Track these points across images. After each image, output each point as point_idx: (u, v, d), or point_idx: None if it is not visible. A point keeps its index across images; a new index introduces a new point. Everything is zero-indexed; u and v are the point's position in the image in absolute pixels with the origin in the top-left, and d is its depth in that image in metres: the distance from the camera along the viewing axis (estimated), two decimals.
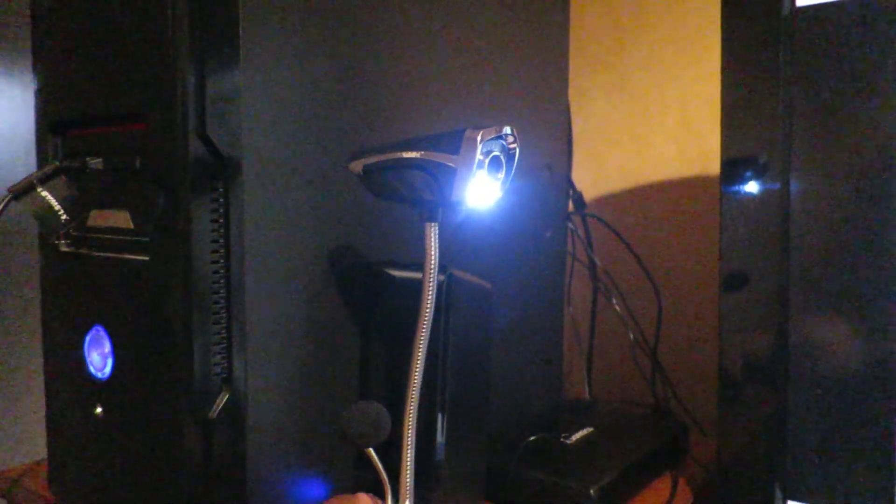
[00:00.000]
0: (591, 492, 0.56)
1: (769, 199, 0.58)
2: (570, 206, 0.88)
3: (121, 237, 0.50)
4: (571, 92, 0.86)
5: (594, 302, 0.88)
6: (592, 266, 0.88)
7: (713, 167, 0.59)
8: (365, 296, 0.54)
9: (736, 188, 0.59)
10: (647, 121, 0.96)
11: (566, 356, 0.86)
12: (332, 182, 0.52)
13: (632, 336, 0.83)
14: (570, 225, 0.86)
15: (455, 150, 0.40)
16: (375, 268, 0.55)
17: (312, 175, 0.51)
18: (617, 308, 0.85)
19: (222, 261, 0.47)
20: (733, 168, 0.59)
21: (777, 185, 0.57)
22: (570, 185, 0.87)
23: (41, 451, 0.59)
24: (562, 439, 0.65)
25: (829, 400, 0.55)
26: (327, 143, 0.52)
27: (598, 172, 0.99)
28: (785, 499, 0.57)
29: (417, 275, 0.49)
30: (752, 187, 0.59)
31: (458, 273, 0.52)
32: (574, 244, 0.89)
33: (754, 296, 0.58)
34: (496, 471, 0.60)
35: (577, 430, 0.67)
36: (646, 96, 0.95)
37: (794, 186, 0.56)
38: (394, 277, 0.54)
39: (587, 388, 0.87)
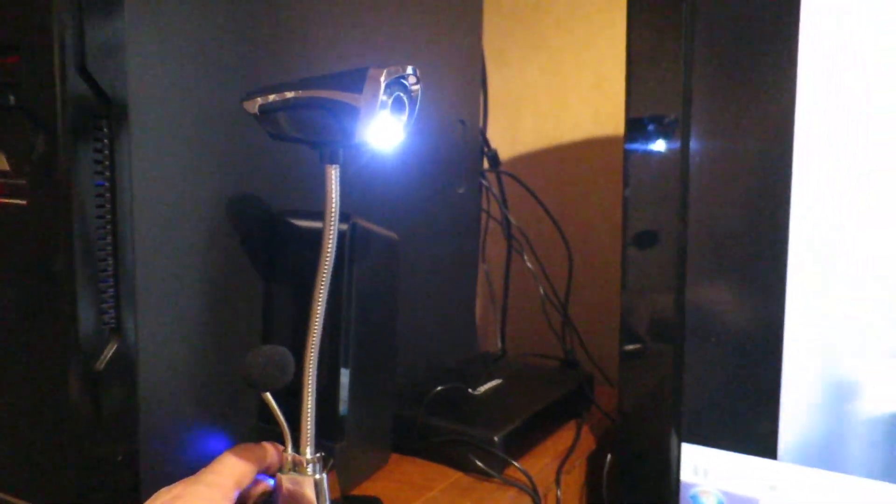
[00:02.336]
0: (496, 438, 0.56)
1: (670, 159, 0.59)
2: (486, 163, 0.88)
3: None
4: (488, 50, 0.85)
5: (508, 258, 0.89)
6: (507, 223, 0.88)
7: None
8: (265, 245, 0.53)
9: (638, 147, 0.60)
10: (562, 81, 0.96)
11: (480, 311, 0.86)
12: (228, 124, 0.50)
13: (543, 292, 0.85)
14: (484, 182, 0.86)
15: (358, 89, 0.39)
16: (275, 216, 0.53)
17: (206, 116, 0.49)
18: (529, 265, 0.86)
19: (108, 205, 0.44)
20: (636, 126, 0.60)
21: (677, 145, 0.59)
22: (485, 142, 0.87)
23: None
24: (470, 390, 0.66)
25: (722, 353, 0.57)
26: (222, 82, 0.50)
27: (513, 131, 0.99)
28: (680, 442, 0.59)
29: (318, 224, 0.48)
30: (654, 146, 0.60)
31: (361, 222, 0.51)
32: (489, 202, 0.89)
33: (654, 254, 0.60)
34: (404, 422, 0.60)
35: (485, 382, 0.68)
36: (562, 56, 0.96)
37: (694, 146, 0.58)
38: (295, 226, 0.52)
39: (500, 342, 0.88)
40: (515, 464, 0.56)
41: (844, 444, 0.53)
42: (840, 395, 0.53)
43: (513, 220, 0.88)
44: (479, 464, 0.56)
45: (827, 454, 0.54)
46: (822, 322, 0.53)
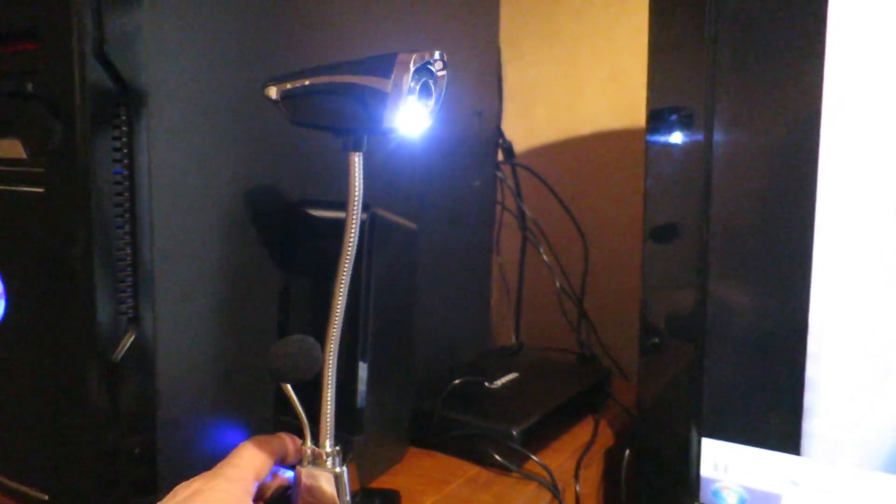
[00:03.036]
0: (514, 433, 0.56)
1: (693, 152, 0.58)
2: (500, 155, 0.87)
3: (12, 168, 0.46)
4: (503, 42, 0.84)
5: (523, 251, 0.88)
6: (521, 216, 0.87)
7: (642, 120, 0.59)
8: (283, 235, 0.52)
9: (660, 139, 0.59)
10: (578, 72, 0.95)
11: (495, 305, 0.86)
12: (246, 112, 0.49)
13: (559, 285, 0.84)
14: (499, 174, 0.86)
15: (386, 74, 0.38)
16: (295, 207, 0.52)
17: (225, 104, 0.48)
18: (545, 257, 0.85)
19: (126, 193, 0.44)
20: (658, 118, 0.59)
21: (700, 137, 0.58)
22: (501, 134, 0.86)
23: None
24: (487, 384, 0.65)
25: (743, 348, 0.56)
26: (240, 70, 0.49)
27: (528, 123, 0.98)
28: (700, 437, 0.59)
29: (338, 214, 0.47)
30: (676, 138, 0.59)
31: (381, 212, 0.51)
32: (504, 194, 0.88)
33: (676, 249, 0.59)
34: (421, 415, 0.59)
35: (502, 376, 0.67)
36: (577, 48, 0.95)
37: (718, 138, 0.57)
38: (313, 216, 0.52)
39: (515, 336, 0.87)
40: (535, 458, 0.56)
41: (870, 440, 0.52)
42: (867, 390, 0.52)
43: (528, 212, 0.87)
44: (498, 458, 0.55)
45: (851, 450, 0.53)
46: (848, 317, 0.52)
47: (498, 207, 0.87)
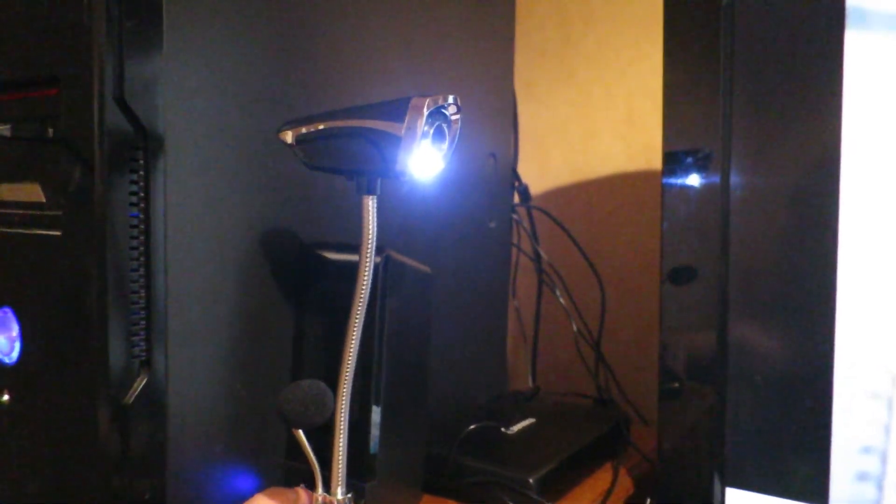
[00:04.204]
0: (531, 480, 0.54)
1: (709, 194, 0.57)
2: (516, 197, 0.87)
3: (31, 211, 0.46)
4: (518, 83, 0.85)
5: (539, 294, 0.87)
6: (537, 258, 0.87)
7: (658, 162, 0.59)
8: (297, 278, 0.52)
9: (676, 181, 0.59)
10: (593, 114, 0.96)
11: (511, 348, 0.85)
12: (261, 157, 0.50)
13: (576, 328, 0.83)
14: (514, 217, 0.85)
15: (399, 118, 0.39)
16: (308, 249, 0.52)
17: (240, 148, 0.49)
18: (561, 300, 0.84)
19: (142, 236, 0.44)
20: (674, 161, 0.59)
21: (717, 179, 0.57)
22: (516, 176, 0.86)
23: None
24: (503, 429, 0.64)
25: (766, 395, 0.55)
26: (256, 115, 0.50)
27: (543, 165, 0.98)
28: (724, 486, 0.57)
29: (351, 257, 0.47)
30: (692, 181, 0.58)
31: (395, 255, 0.51)
32: (519, 236, 0.88)
33: (694, 291, 0.58)
34: (436, 461, 0.58)
35: (519, 421, 0.66)
36: (592, 90, 0.95)
37: (735, 180, 0.56)
38: (327, 260, 0.52)
39: (531, 380, 0.86)
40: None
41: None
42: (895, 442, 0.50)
43: (544, 254, 0.86)
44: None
45: (880, 499, 0.51)
46: (873, 364, 0.51)
47: (514, 250, 0.87)
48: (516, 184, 0.87)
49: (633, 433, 0.72)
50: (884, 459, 0.51)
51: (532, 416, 0.67)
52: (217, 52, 0.47)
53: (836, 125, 0.51)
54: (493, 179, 0.78)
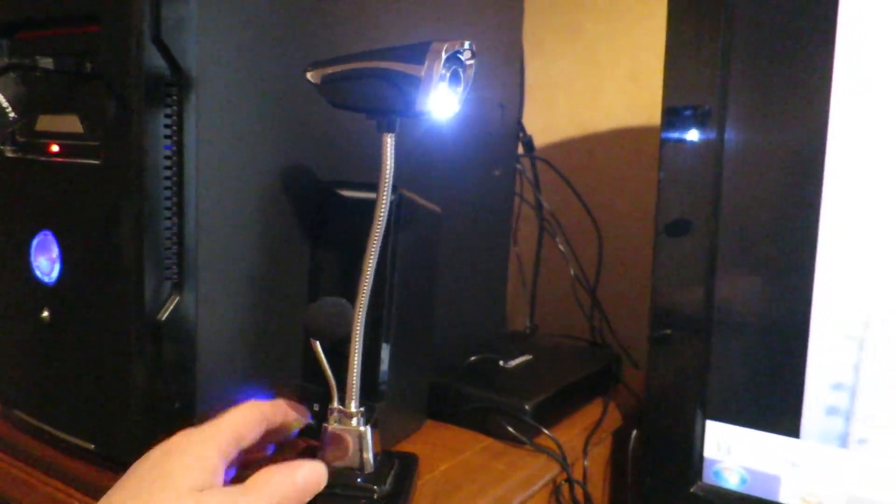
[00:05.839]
0: (527, 407, 0.59)
1: (705, 149, 0.61)
2: (521, 148, 0.90)
3: (70, 142, 0.50)
4: (526, 37, 0.87)
5: (539, 241, 0.91)
6: (539, 207, 0.90)
7: (659, 118, 0.62)
8: (316, 213, 0.56)
9: (674, 136, 0.62)
10: (598, 70, 0.98)
11: (511, 291, 0.89)
12: (288, 95, 0.53)
13: (573, 274, 0.87)
14: (518, 166, 0.89)
15: (420, 61, 0.42)
16: (326, 186, 0.56)
17: (267, 87, 0.52)
18: (560, 248, 0.88)
19: (175, 168, 0.47)
20: (673, 115, 0.62)
21: (714, 135, 0.60)
22: (521, 127, 0.89)
23: None
24: (502, 363, 0.68)
25: (749, 337, 0.59)
26: (282, 55, 0.52)
27: (549, 118, 1.01)
28: (704, 419, 0.61)
29: (367, 195, 0.50)
30: (690, 136, 0.61)
31: (408, 193, 0.54)
32: (522, 185, 0.91)
33: (686, 242, 0.62)
34: (439, 389, 0.62)
35: (517, 357, 0.70)
36: (598, 46, 0.97)
37: (729, 136, 0.59)
38: (345, 197, 0.55)
39: (529, 322, 0.90)
40: (546, 432, 0.59)
41: (866, 424, 0.55)
42: (864, 379, 0.54)
43: (545, 203, 0.90)
44: (510, 430, 0.58)
45: (847, 434, 0.55)
46: (848, 309, 0.55)
47: (516, 198, 0.90)
48: (521, 135, 0.90)
49: (624, 374, 0.76)
50: (853, 395, 0.55)
51: (529, 353, 0.72)
52: None
53: (826, 86, 0.54)
54: (500, 129, 0.81)
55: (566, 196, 0.89)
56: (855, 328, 0.54)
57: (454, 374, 0.64)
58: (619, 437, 0.68)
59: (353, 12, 0.58)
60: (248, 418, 0.44)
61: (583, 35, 0.98)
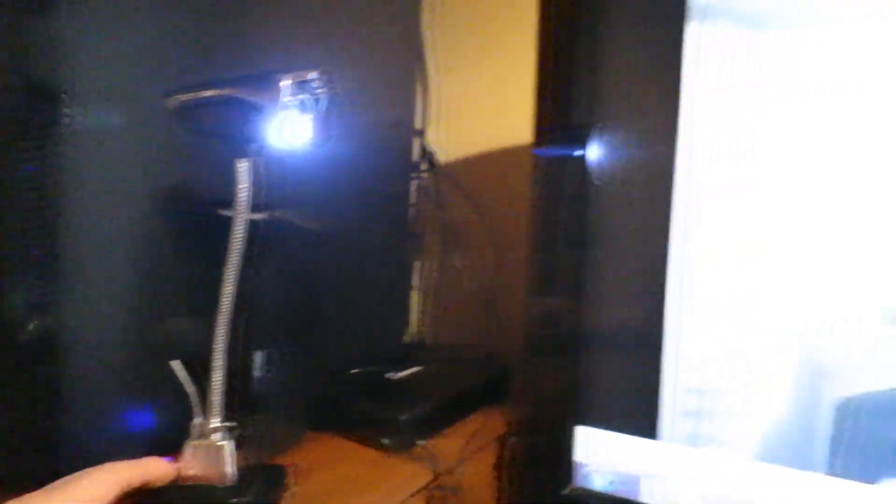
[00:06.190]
0: (403, 419, 0.61)
1: (573, 165, 0.64)
2: (425, 164, 0.93)
3: None
4: (438, 56, 0.90)
5: (440, 255, 0.93)
6: (440, 221, 0.93)
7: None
8: (186, 230, 0.57)
9: (545, 151, 0.65)
10: (502, 86, 1.01)
11: (415, 304, 0.91)
12: (157, 116, 0.54)
13: (472, 287, 0.90)
14: (420, 181, 0.91)
15: (264, 90, 0.44)
16: (197, 204, 0.57)
17: (138, 110, 0.53)
18: (459, 262, 0.91)
19: (39, 190, 0.48)
20: (542, 132, 0.65)
21: (582, 151, 0.64)
22: (424, 143, 0.92)
23: None
24: (389, 374, 0.70)
25: (613, 347, 0.62)
26: (152, 77, 0.53)
27: (454, 134, 1.04)
28: (574, 425, 0.64)
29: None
30: (559, 151, 0.65)
31: (279, 212, 0.56)
32: (424, 199, 0.93)
33: (555, 256, 0.65)
34: (321, 401, 0.64)
35: (406, 368, 0.73)
36: (503, 63, 1.01)
37: (596, 152, 0.63)
38: (213, 214, 0.56)
39: (427, 333, 0.92)
40: (420, 442, 0.61)
41: (718, 426, 0.59)
42: (711, 382, 0.58)
43: (446, 218, 0.93)
44: (386, 442, 0.60)
45: (701, 434, 0.59)
46: (698, 318, 0.58)
47: (419, 212, 0.92)
48: (424, 150, 0.92)
49: (515, 384, 0.79)
50: (702, 397, 0.59)
51: (420, 365, 0.74)
52: (116, 13, 0.50)
53: (675, 105, 0.58)
54: (402, 146, 0.84)
55: (468, 211, 0.91)
56: (702, 334, 0.58)
57: (338, 386, 0.65)
58: (501, 445, 0.70)
59: (233, 32, 0.60)
60: (101, 486, 0.41)
61: (487, 51, 1.02)
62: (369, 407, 0.63)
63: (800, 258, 0.54)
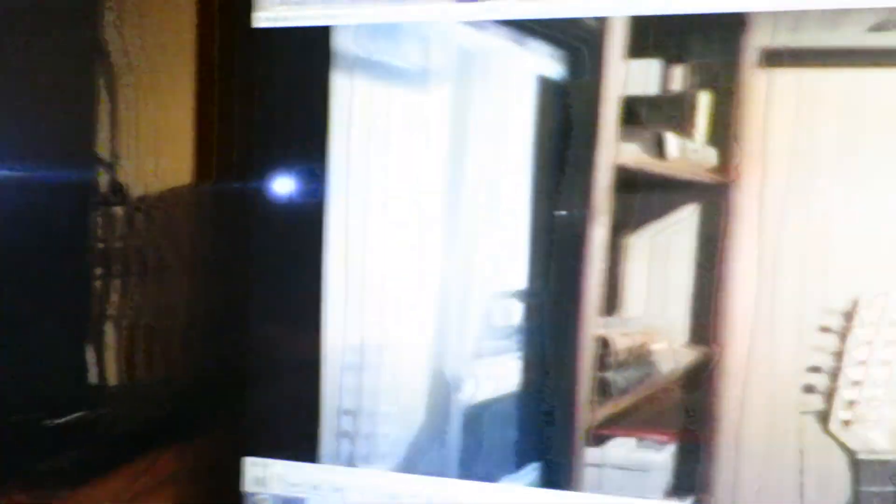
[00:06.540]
0: (41, 469, 0.58)
1: (241, 203, 0.67)
2: (113, 196, 0.89)
3: None
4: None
5: (129, 291, 0.90)
6: (126, 257, 0.89)
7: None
8: None
9: (215, 189, 0.68)
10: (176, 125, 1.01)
11: (93, 342, 0.86)
12: None
13: (157, 324, 0.87)
14: (105, 215, 0.87)
15: None
16: None
17: None
18: (141, 299, 0.88)
19: None
20: (206, 170, 0.67)
21: (238, 185, 0.67)
22: (115, 176, 0.88)
23: None
24: (45, 422, 0.66)
25: (276, 378, 0.65)
26: None
27: (149, 166, 1.01)
28: (243, 456, 0.66)
29: None
30: (228, 188, 0.67)
31: None
32: (111, 234, 0.89)
33: (225, 295, 0.67)
34: None
35: (70, 413, 0.69)
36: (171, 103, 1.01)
37: (253, 187, 0.66)
38: None
39: (110, 373, 0.88)
40: (65, 493, 0.58)
41: (372, 443, 0.63)
42: (363, 404, 0.63)
43: (143, 253, 0.89)
44: (19, 494, 0.57)
45: (358, 453, 0.64)
46: (348, 347, 0.63)
47: (105, 246, 0.88)
48: (115, 183, 0.89)
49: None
50: (356, 418, 0.63)
51: (87, 409, 0.70)
52: None
53: (326, 152, 0.63)
54: (90, 179, 0.80)
55: (159, 245, 0.89)
56: (354, 361, 0.63)
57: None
58: (175, 482, 0.69)
59: None
60: None
61: (191, 86, 1.01)
62: (17, 459, 0.59)
63: (431, 283, 0.61)
